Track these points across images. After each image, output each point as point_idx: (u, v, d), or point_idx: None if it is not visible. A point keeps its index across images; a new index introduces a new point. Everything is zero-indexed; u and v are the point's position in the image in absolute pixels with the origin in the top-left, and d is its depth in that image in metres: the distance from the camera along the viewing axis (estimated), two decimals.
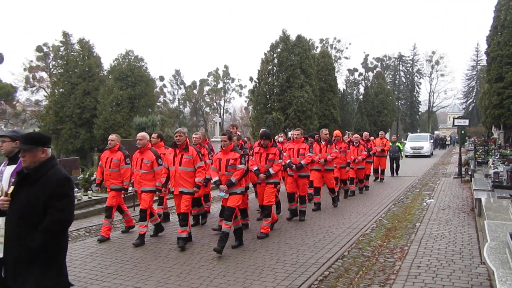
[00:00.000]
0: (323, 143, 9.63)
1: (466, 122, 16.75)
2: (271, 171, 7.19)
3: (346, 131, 37.50)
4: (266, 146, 7.30)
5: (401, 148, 17.12)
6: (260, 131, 7.67)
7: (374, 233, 7.49)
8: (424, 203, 10.46)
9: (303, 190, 8.49)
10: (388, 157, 16.41)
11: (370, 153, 13.09)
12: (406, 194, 12.17)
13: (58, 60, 38.88)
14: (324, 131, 10.01)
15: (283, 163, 7.85)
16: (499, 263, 3.90)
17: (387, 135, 54.14)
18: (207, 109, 62.93)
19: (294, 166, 8.24)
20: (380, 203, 10.53)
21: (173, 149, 6.62)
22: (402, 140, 38.93)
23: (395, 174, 16.92)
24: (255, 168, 7.31)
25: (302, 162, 8.23)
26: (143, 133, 7.38)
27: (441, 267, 5.48)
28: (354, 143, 12.04)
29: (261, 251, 6.34)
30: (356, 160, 11.88)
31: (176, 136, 6.57)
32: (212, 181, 6.75)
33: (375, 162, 15.03)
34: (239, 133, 9.41)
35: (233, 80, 61.36)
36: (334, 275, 5.30)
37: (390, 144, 16.47)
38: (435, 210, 9.40)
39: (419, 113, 72.87)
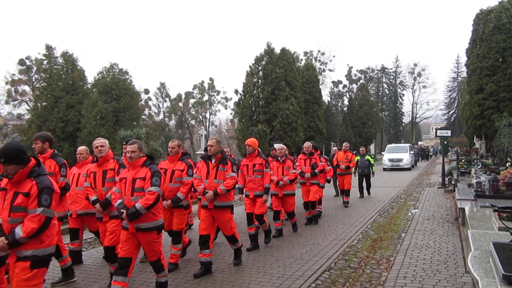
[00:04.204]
0: (213, 161, 5.92)
1: (448, 132, 17.07)
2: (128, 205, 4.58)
3: (331, 143, 37.81)
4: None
5: (372, 163, 14.21)
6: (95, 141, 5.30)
7: (360, 244, 7.51)
8: (409, 213, 10.56)
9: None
10: (356, 174, 14.03)
11: (316, 171, 9.42)
12: (392, 204, 12.27)
13: (41, 74, 38.38)
14: (210, 141, 6.03)
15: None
16: (483, 272, 3.93)
17: (372, 147, 55.03)
18: (193, 122, 62.69)
19: (169, 202, 5.87)
20: (366, 214, 10.59)
21: None
22: (382, 152, 38.26)
23: (365, 193, 14.12)
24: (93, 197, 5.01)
25: (179, 194, 5.90)
26: None
27: (426, 277, 5.51)
28: (279, 158, 8.31)
29: (248, 264, 6.29)
30: (281, 183, 8.06)
31: None
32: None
33: (339, 181, 12.62)
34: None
35: (218, 92, 61.40)
36: (321, 287, 5.29)
37: (358, 158, 13.92)
38: (420, 220, 9.49)
39: (403, 124, 74.07)
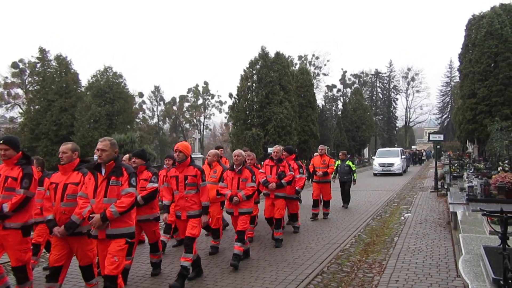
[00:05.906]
0: (103, 172, 4.44)
1: (441, 137, 17.21)
2: None
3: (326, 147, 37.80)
4: None
5: (354, 169, 12.49)
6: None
7: (353, 248, 7.53)
8: (402, 217, 10.59)
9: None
10: (335, 181, 12.07)
11: (283, 181, 7.75)
12: (385, 208, 12.30)
13: (35, 77, 38.25)
14: (101, 143, 4.37)
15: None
16: (474, 275, 3.96)
17: (366, 150, 55.11)
18: (187, 126, 62.63)
19: (61, 228, 4.38)
20: (359, 218, 10.60)
21: None
22: (373, 157, 37.42)
23: (343, 204, 12.49)
24: None
25: (73, 217, 4.38)
26: None
27: (418, 281, 5.53)
28: (235, 166, 6.70)
29: (240, 268, 6.27)
30: (235, 199, 6.50)
31: None
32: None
33: (315, 190, 10.77)
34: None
35: (213, 96, 61.49)
36: None
37: (339, 163, 12.44)
38: (412, 224, 9.52)
39: (396, 128, 74.52)
